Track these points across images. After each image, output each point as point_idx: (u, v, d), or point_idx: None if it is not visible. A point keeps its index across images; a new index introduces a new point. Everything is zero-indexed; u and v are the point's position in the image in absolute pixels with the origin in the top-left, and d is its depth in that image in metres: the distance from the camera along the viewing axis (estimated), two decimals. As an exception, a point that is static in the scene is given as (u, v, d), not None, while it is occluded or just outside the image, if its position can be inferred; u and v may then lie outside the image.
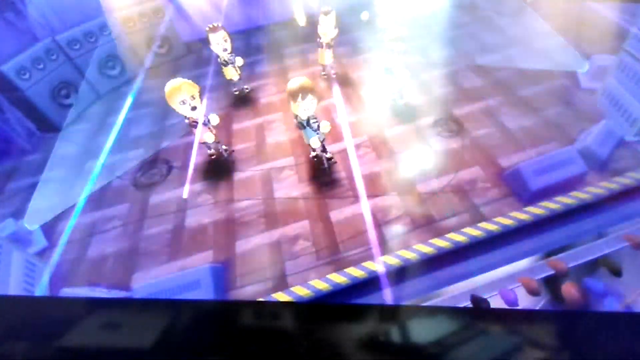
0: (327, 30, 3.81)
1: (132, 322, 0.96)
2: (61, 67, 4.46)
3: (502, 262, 2.39)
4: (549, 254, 2.43)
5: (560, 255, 2.41)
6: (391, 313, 1.02)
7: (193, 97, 2.94)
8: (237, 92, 4.36)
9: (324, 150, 3.09)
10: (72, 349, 0.90)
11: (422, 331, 0.91)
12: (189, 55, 5.54)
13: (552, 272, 2.26)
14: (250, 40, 5.72)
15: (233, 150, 3.55)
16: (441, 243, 2.42)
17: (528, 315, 1.19)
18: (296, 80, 2.66)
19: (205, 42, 3.87)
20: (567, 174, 2.54)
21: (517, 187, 2.62)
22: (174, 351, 0.90)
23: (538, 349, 0.85)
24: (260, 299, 2.29)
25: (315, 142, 2.89)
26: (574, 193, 2.55)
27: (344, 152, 3.29)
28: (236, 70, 4.11)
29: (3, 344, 0.92)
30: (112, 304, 1.26)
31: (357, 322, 0.93)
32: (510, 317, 1.04)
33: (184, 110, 2.96)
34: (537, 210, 2.48)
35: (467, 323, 0.92)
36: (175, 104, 2.91)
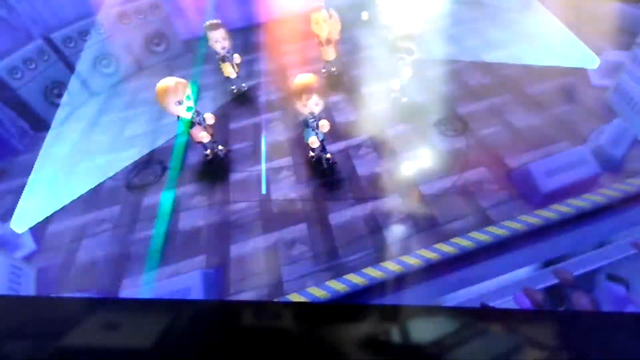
0: (323, 28, 3.68)
1: (132, 322, 0.95)
2: (54, 65, 4.36)
3: (510, 268, 2.26)
4: (560, 260, 2.31)
5: (570, 260, 2.29)
6: (391, 313, 1.00)
7: (180, 103, 2.79)
8: (234, 91, 4.24)
9: (323, 150, 2.97)
10: (71, 349, 0.89)
11: (422, 331, 0.89)
12: (187, 53, 5.43)
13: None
14: (249, 37, 5.60)
15: (229, 150, 3.43)
16: (446, 248, 2.29)
17: (528, 315, 1.16)
18: (302, 77, 2.51)
19: (203, 39, 3.75)
20: (580, 175, 2.41)
21: (526, 189, 2.49)
22: (174, 351, 0.89)
23: (538, 349, 0.84)
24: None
25: (314, 142, 2.77)
26: (587, 195, 2.42)
27: (343, 152, 3.17)
28: (234, 68, 4.00)
29: (3, 344, 0.91)
30: (112, 304, 1.25)
31: (357, 322, 0.92)
32: (510, 317, 1.03)
33: (180, 112, 2.83)
34: (547, 213, 2.35)
35: (467, 323, 0.90)
36: (170, 105, 2.74)
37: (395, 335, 0.89)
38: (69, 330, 0.91)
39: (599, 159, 2.48)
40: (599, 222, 2.39)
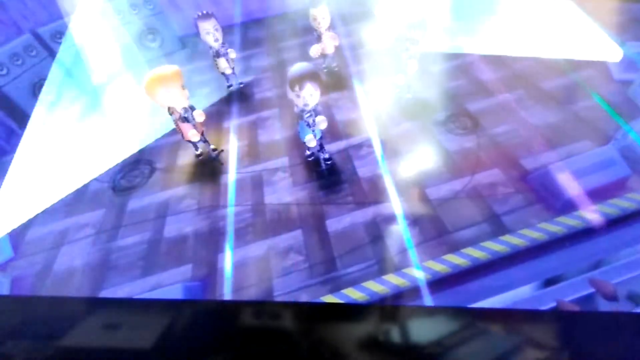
0: (321, 21, 3.46)
1: (132, 322, 0.94)
2: (44, 61, 4.18)
3: (528, 282, 2.02)
4: (583, 272, 2.06)
5: (597, 271, 2.05)
6: (391, 313, 0.99)
7: (183, 87, 2.64)
8: (230, 87, 4.04)
9: (321, 149, 2.75)
10: (71, 349, 0.88)
11: (422, 331, 0.88)
12: (183, 50, 5.24)
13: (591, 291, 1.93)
14: (247, 33, 5.40)
15: (222, 150, 3.21)
16: (456, 259, 2.05)
17: (528, 315, 1.13)
18: (298, 66, 2.32)
19: (199, 36, 3.54)
20: (606, 178, 2.15)
21: (546, 193, 2.24)
22: (174, 351, 0.88)
23: (538, 349, 0.82)
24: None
25: (311, 141, 2.54)
26: (614, 200, 2.17)
27: (344, 152, 2.94)
28: (229, 64, 3.79)
29: (2, 344, 0.90)
30: (112, 304, 1.24)
31: (357, 322, 0.91)
32: (510, 317, 1.01)
33: (178, 102, 2.65)
34: (570, 220, 2.10)
35: (467, 323, 0.90)
36: (171, 94, 2.57)
37: (395, 335, 0.88)
38: (69, 330, 0.91)
39: (627, 159, 2.22)
40: (630, 229, 2.14)
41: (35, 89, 4.06)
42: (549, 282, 2.02)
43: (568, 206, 2.14)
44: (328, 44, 3.66)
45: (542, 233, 2.06)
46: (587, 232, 2.11)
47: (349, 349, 0.85)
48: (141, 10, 4.79)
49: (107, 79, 4.58)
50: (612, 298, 1.85)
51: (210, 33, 3.44)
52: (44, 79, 4.11)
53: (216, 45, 3.58)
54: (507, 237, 2.09)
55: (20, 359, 0.87)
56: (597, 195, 2.17)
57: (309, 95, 2.32)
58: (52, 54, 4.23)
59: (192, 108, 2.80)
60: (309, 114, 2.40)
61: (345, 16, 4.82)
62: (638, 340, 0.80)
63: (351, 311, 1.01)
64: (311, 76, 2.28)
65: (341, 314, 0.97)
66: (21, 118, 4.03)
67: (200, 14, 3.40)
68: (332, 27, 3.62)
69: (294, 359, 0.85)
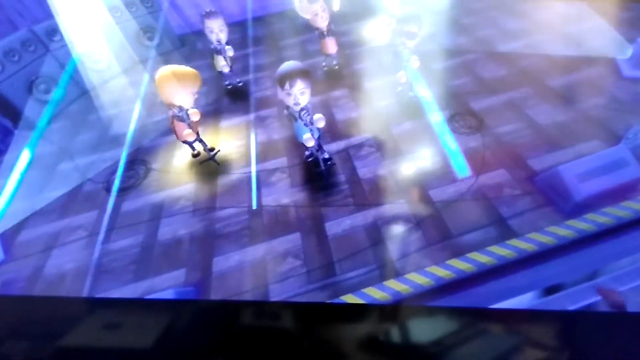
0: (321, 14, 3.39)
1: (132, 322, 0.94)
2: (41, 58, 4.11)
3: (537, 287, 1.92)
4: (593, 277, 1.97)
5: (608, 277, 1.95)
6: (391, 313, 0.98)
7: (195, 93, 2.73)
8: (229, 86, 3.96)
9: (319, 149, 2.66)
10: (71, 349, 0.88)
11: (422, 331, 0.87)
12: (182, 49, 5.17)
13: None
14: (247, 31, 5.32)
15: (219, 150, 3.13)
16: (460, 264, 1.96)
17: (528, 315, 1.13)
18: (288, 63, 2.27)
19: (198, 34, 3.49)
20: (619, 179, 2.06)
21: (555, 195, 2.14)
22: (174, 351, 0.88)
23: (538, 349, 0.82)
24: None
25: (309, 140, 2.45)
26: (627, 203, 2.07)
27: (344, 152, 2.86)
28: (227, 62, 3.72)
29: (2, 344, 0.89)
30: (112, 304, 1.24)
31: (357, 322, 0.91)
32: (510, 317, 1.00)
33: (187, 102, 2.69)
34: (581, 224, 2.00)
35: (467, 323, 0.89)
36: (185, 93, 2.63)
37: (395, 335, 0.87)
38: (69, 330, 0.90)
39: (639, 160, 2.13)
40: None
41: (32, 87, 3.99)
42: (557, 288, 1.93)
43: (578, 209, 2.04)
44: (330, 44, 3.60)
45: (551, 237, 1.96)
46: (598, 236, 2.01)
47: (349, 349, 0.84)
48: (139, 9, 4.72)
49: (103, 78, 4.51)
50: (620, 307, 1.77)
51: (214, 32, 3.40)
52: (43, 77, 4.05)
53: (216, 44, 3.51)
54: (515, 241, 1.99)
55: (20, 359, 0.86)
56: (608, 197, 2.07)
57: (300, 93, 2.26)
58: (49, 51, 4.16)
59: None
60: (305, 112, 2.31)
61: (346, 14, 4.73)
62: (638, 340, 0.79)
63: (351, 311, 0.99)
64: (301, 73, 2.23)
65: (341, 314, 0.95)
66: (17, 117, 3.97)
67: (208, 11, 3.35)
68: (332, 24, 3.55)
69: (293, 359, 0.84)
